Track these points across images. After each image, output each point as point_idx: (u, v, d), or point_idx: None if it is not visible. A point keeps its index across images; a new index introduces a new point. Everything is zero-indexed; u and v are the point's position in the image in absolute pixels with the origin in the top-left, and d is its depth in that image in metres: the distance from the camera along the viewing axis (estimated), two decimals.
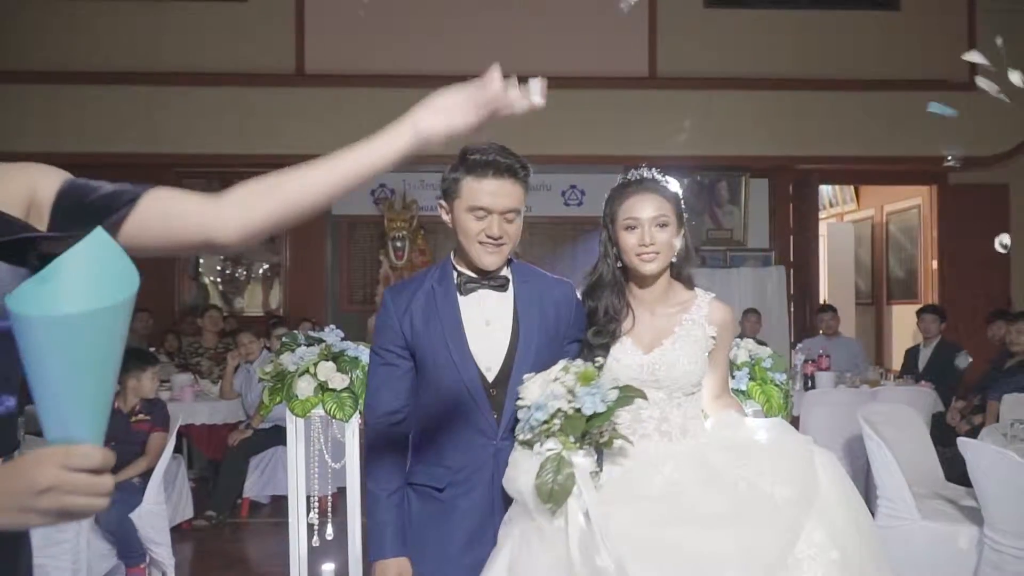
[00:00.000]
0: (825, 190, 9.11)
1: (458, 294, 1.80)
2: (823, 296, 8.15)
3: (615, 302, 1.83)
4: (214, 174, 7.49)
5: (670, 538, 1.50)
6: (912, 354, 5.63)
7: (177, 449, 4.33)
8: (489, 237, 1.74)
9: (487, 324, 1.78)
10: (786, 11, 7.32)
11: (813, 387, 4.53)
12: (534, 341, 1.77)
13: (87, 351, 0.77)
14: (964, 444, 2.43)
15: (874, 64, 7.14)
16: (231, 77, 6.91)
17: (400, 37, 6.87)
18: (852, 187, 8.94)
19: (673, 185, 1.87)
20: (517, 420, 1.65)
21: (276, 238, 7.59)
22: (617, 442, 1.61)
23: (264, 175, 1.08)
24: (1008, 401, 3.62)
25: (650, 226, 1.80)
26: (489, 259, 1.76)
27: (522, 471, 1.59)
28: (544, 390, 1.59)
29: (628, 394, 1.59)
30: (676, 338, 1.79)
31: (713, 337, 1.82)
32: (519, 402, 1.64)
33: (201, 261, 7.76)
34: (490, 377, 1.75)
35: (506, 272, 1.83)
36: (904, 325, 7.84)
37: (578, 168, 7.26)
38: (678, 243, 1.83)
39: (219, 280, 7.84)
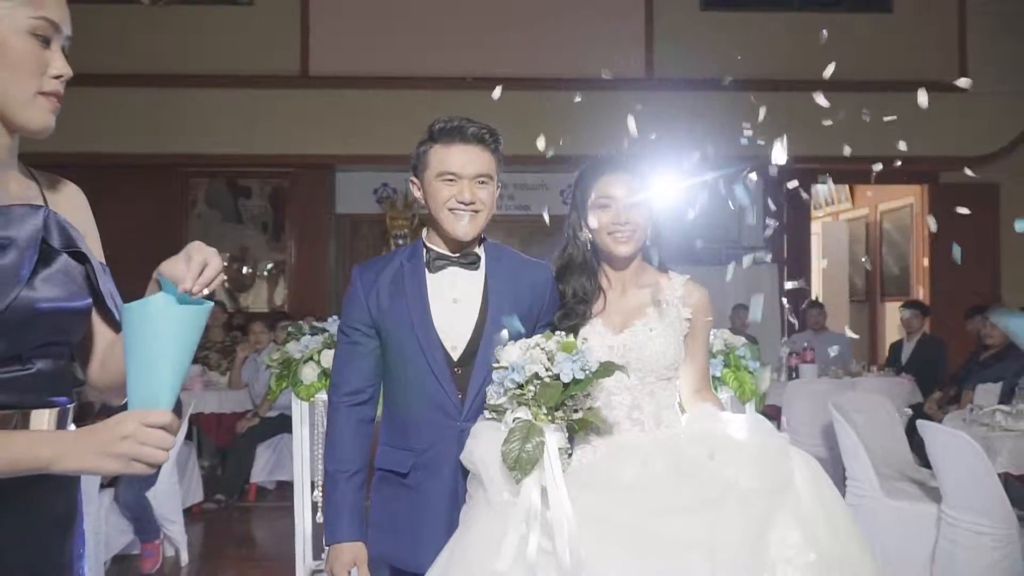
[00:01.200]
0: (821, 190, 9.25)
1: (427, 271, 1.75)
2: (815, 293, 8.31)
3: (586, 284, 1.78)
4: (219, 173, 7.69)
5: (634, 524, 1.46)
6: (896, 348, 5.82)
7: (188, 436, 4.53)
8: (460, 202, 1.69)
9: (455, 302, 1.73)
10: (780, 13, 7.46)
11: (798, 378, 4.72)
12: (503, 321, 1.68)
13: (175, 341, 1.03)
14: (922, 426, 2.59)
15: (867, 65, 7.28)
16: (237, 79, 7.07)
17: (401, 40, 7.04)
18: (847, 187, 9.09)
19: (646, 165, 1.80)
20: (483, 400, 1.61)
21: (281, 236, 7.78)
22: (591, 426, 1.58)
23: None
24: (981, 390, 3.79)
25: (624, 203, 1.74)
26: (462, 227, 1.70)
27: (483, 440, 1.54)
28: (524, 354, 1.54)
29: (609, 367, 1.54)
30: (648, 319, 1.73)
31: (688, 319, 1.76)
32: (495, 364, 1.58)
33: None
34: (455, 356, 1.70)
35: (478, 250, 1.78)
36: (897, 321, 8.00)
37: (576, 168, 7.44)
38: (650, 224, 1.78)
39: (224, 278, 7.99)
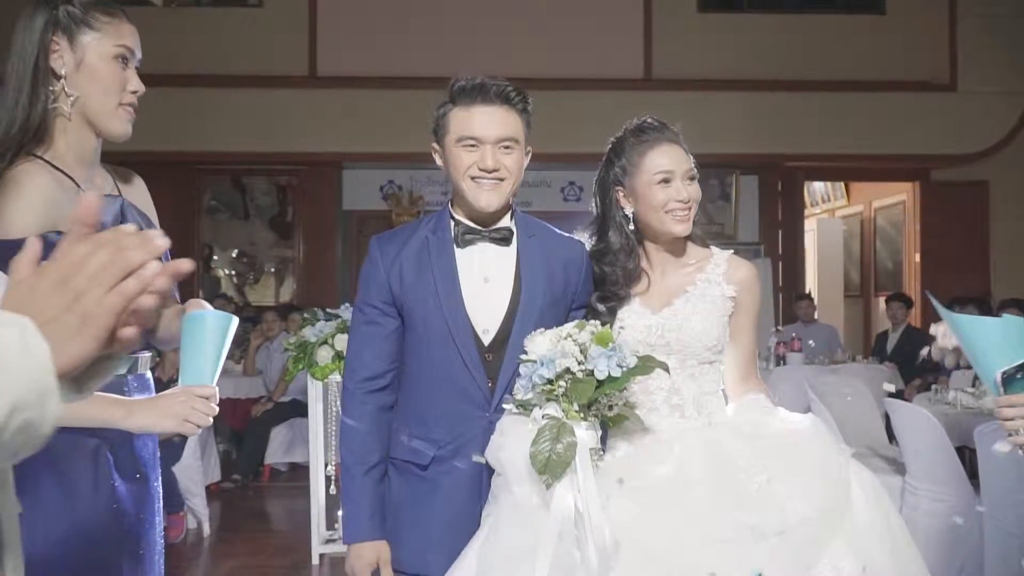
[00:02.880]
0: (818, 187, 9.46)
1: (455, 246, 1.59)
2: (808, 287, 8.52)
3: (628, 265, 1.63)
4: (230, 171, 7.90)
5: (670, 556, 1.33)
6: (881, 338, 6.06)
7: None
8: (483, 170, 1.53)
9: (485, 281, 1.58)
10: (775, 15, 7.57)
11: (785, 365, 4.97)
12: (538, 302, 1.57)
13: (216, 341, 1.37)
14: (889, 404, 2.83)
15: (860, 65, 7.40)
16: (247, 79, 7.22)
17: (406, 42, 7.22)
18: (843, 184, 9.29)
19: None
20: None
21: (290, 232, 8.01)
22: (627, 422, 1.47)
23: None
24: (956, 376, 4.01)
25: (683, 179, 1.59)
26: (486, 197, 1.54)
27: (511, 438, 1.41)
28: (554, 346, 1.40)
29: (649, 363, 1.41)
30: (689, 297, 1.60)
31: (732, 297, 1.61)
32: (523, 356, 1.45)
33: (215, 256, 8.12)
34: (486, 340, 1.56)
35: (510, 223, 1.62)
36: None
37: (576, 165, 7.60)
38: None
39: (233, 273, 8.19)
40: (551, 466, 1.33)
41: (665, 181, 1.59)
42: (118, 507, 1.33)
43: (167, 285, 0.70)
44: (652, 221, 1.61)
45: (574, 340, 1.40)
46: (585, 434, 1.37)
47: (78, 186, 1.33)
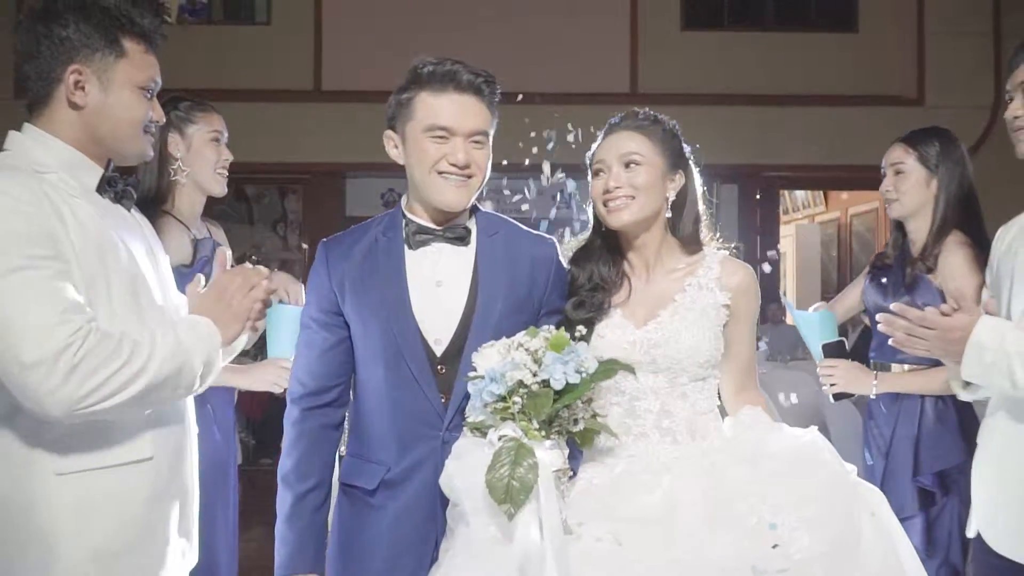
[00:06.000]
0: (799, 194, 9.93)
1: (406, 247, 1.45)
2: (787, 289, 8.97)
3: (602, 269, 1.50)
4: (236, 179, 8.25)
5: None
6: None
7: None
8: (453, 165, 1.39)
9: (438, 285, 1.44)
10: (755, 33, 7.87)
11: None
12: (496, 308, 1.42)
13: (292, 325, 1.72)
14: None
15: (833, 81, 7.66)
16: (255, 93, 7.41)
17: (404, 58, 7.52)
18: (822, 192, 9.76)
19: (664, 122, 1.52)
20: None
21: (295, 237, 8.42)
22: (600, 439, 1.33)
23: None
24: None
25: (617, 166, 1.46)
26: (453, 195, 1.41)
27: (467, 464, 1.26)
28: (504, 358, 1.27)
29: (611, 366, 1.30)
30: (677, 307, 1.45)
31: (727, 305, 1.47)
32: (471, 374, 1.31)
33: None
34: (438, 351, 1.42)
35: (469, 222, 1.47)
36: None
37: (568, 174, 8.02)
38: (671, 189, 1.48)
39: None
40: (513, 493, 1.18)
41: (598, 172, 1.51)
42: (215, 452, 1.77)
43: (266, 296, 1.36)
44: (599, 215, 1.54)
45: (526, 349, 1.27)
46: (548, 454, 1.23)
47: (189, 229, 1.92)
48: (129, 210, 1.38)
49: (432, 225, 1.47)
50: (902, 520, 2.01)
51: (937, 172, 2.14)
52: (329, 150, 7.64)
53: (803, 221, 10.11)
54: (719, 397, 1.55)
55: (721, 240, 1.60)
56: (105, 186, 1.32)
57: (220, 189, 2.00)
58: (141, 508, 1.27)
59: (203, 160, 1.98)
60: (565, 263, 1.57)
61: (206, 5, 8.07)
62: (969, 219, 2.12)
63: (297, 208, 8.26)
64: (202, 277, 1.43)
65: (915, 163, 2.17)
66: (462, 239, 1.47)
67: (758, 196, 8.30)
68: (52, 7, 1.27)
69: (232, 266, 1.42)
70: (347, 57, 7.64)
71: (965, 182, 2.15)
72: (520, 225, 1.57)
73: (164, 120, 1.45)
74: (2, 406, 1.20)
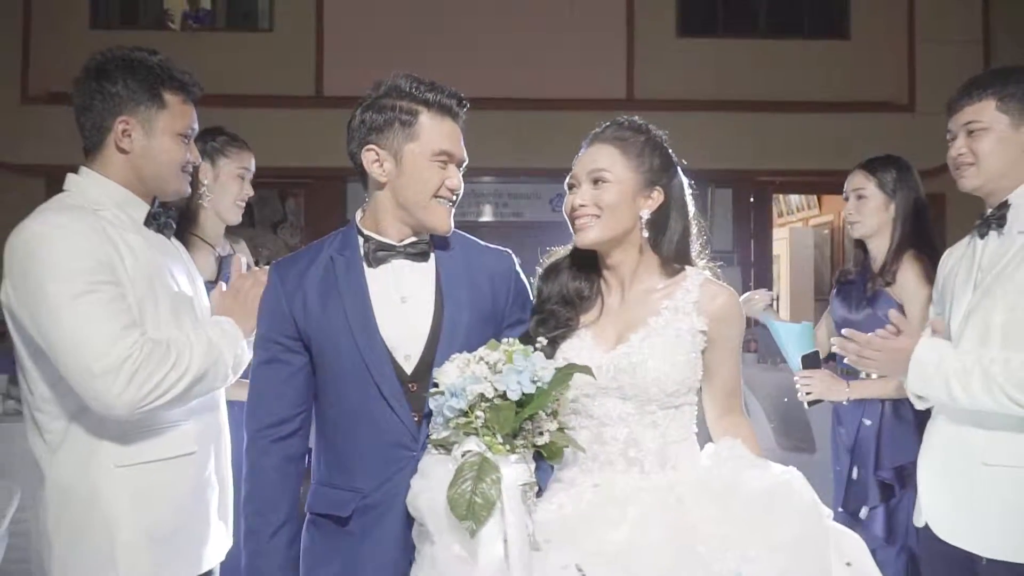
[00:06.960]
0: (793, 198, 10.06)
1: (365, 265, 1.41)
2: (780, 291, 9.12)
3: (570, 283, 1.44)
4: None
5: None
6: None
7: None
8: (451, 190, 1.41)
9: (403, 301, 1.41)
10: (749, 40, 7.98)
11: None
12: (464, 320, 1.39)
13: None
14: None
15: (825, 87, 7.77)
16: (258, 99, 7.48)
17: (405, 66, 7.72)
18: (816, 196, 9.90)
19: (647, 133, 1.45)
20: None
21: (297, 240, 8.54)
22: (568, 453, 1.29)
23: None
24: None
25: (586, 182, 1.41)
26: (447, 219, 1.41)
27: (432, 482, 1.22)
28: (463, 372, 1.24)
29: (568, 370, 1.25)
30: (649, 331, 1.38)
31: (703, 331, 1.39)
32: (432, 390, 1.28)
33: None
34: (408, 368, 1.39)
35: (425, 237, 1.44)
36: None
37: (565, 179, 8.14)
38: (644, 207, 1.41)
39: None
40: (475, 509, 1.15)
41: (570, 188, 1.47)
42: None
43: None
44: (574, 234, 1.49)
45: (486, 362, 1.24)
46: (514, 469, 1.19)
47: (213, 248, 2.11)
48: (169, 238, 1.59)
49: (392, 242, 1.44)
50: (870, 510, 2.20)
51: (895, 197, 2.34)
52: (330, 155, 7.65)
53: (797, 224, 10.24)
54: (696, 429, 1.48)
55: (711, 254, 1.54)
56: (151, 219, 1.51)
57: (235, 220, 2.18)
58: (187, 496, 1.46)
59: (226, 192, 2.16)
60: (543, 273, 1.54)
61: (210, 12, 8.18)
62: (922, 238, 2.32)
63: (297, 211, 8.38)
64: (224, 285, 1.66)
65: (875, 189, 2.38)
66: (423, 254, 1.45)
67: (752, 200, 8.43)
68: (104, 67, 1.46)
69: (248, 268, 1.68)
70: (348, 63, 7.76)
71: (920, 205, 2.37)
72: (475, 239, 1.54)
73: (200, 162, 1.66)
74: (70, 408, 1.39)
